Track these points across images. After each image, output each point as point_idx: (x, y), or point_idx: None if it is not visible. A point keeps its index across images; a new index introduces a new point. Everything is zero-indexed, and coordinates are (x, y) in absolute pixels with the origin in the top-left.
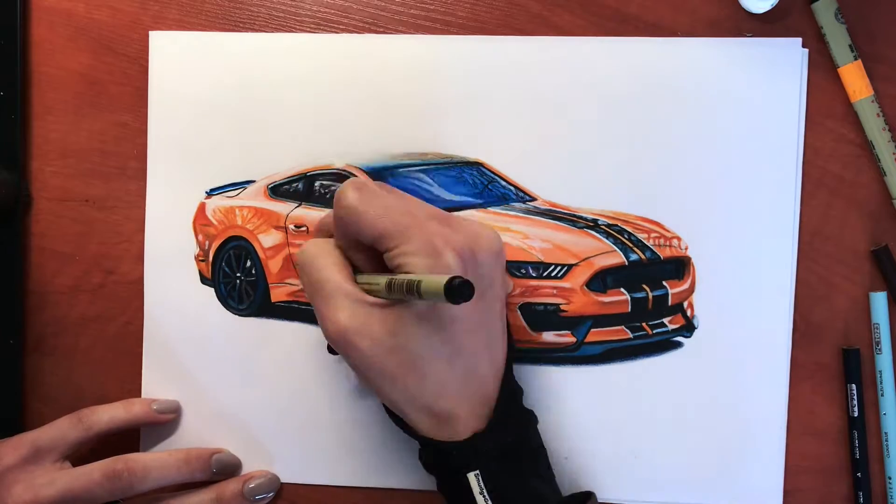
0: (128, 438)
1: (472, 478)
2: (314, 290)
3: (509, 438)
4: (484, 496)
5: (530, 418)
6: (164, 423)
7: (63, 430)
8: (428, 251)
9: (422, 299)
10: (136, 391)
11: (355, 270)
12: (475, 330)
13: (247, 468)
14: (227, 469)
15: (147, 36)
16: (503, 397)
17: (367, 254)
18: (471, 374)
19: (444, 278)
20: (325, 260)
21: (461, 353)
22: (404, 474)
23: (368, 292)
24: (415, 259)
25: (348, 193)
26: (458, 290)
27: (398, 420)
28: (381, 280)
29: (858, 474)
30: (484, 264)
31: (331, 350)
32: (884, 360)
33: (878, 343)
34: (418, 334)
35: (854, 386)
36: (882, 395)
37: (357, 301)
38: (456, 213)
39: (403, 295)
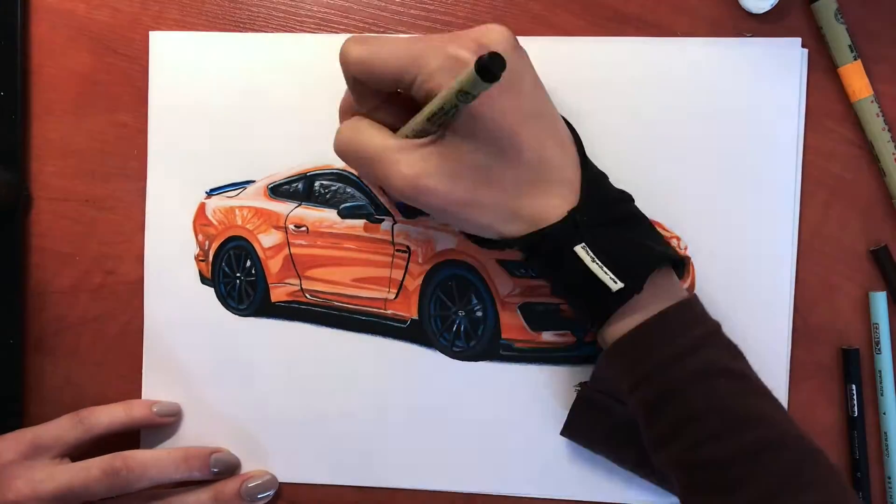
0: (128, 436)
1: (580, 250)
2: (364, 163)
3: (606, 210)
4: (597, 264)
5: (623, 195)
6: (165, 425)
7: (63, 429)
8: (448, 64)
9: (461, 103)
10: (136, 391)
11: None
12: (527, 121)
13: (246, 468)
14: (225, 468)
15: (147, 36)
16: (587, 178)
17: (394, 108)
18: (544, 164)
19: (471, 66)
20: (360, 133)
21: (524, 148)
22: (404, 474)
23: (414, 136)
24: (439, 77)
25: (352, 48)
26: (491, 64)
27: (493, 242)
28: (420, 117)
29: (858, 474)
30: (504, 55)
31: (404, 212)
32: (883, 360)
33: (877, 343)
34: (475, 149)
35: (854, 386)
36: (882, 394)
37: (408, 149)
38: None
39: (444, 115)
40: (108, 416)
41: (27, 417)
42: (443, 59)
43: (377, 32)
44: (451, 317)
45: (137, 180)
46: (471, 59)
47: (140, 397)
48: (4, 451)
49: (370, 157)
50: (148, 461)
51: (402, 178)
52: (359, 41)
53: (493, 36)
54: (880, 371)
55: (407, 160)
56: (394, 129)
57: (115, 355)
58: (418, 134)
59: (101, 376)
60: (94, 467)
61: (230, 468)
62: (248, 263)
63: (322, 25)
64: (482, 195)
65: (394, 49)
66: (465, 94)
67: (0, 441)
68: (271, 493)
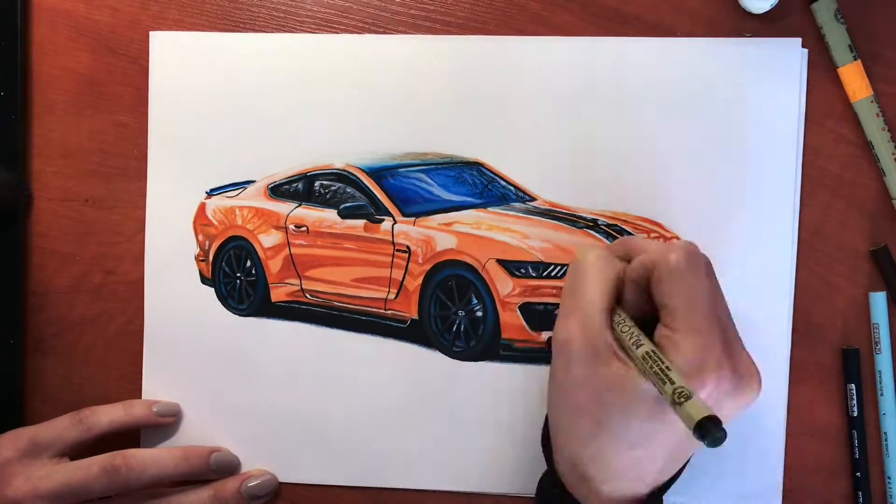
0: (128, 436)
1: None
2: (571, 294)
3: None
4: None
5: None
6: (165, 425)
7: (63, 428)
8: (692, 365)
9: (664, 397)
10: (136, 391)
11: (619, 300)
12: (674, 448)
13: (246, 467)
14: (225, 468)
15: (147, 36)
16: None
17: (640, 293)
18: (636, 470)
19: (702, 411)
20: (598, 277)
21: (647, 459)
22: (404, 474)
23: (616, 336)
24: (676, 357)
25: (682, 258)
26: (710, 433)
27: (547, 448)
28: (638, 349)
29: (858, 474)
30: (730, 406)
31: (548, 345)
32: (883, 360)
33: (877, 343)
34: (633, 414)
35: (854, 386)
36: (882, 394)
37: (599, 330)
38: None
39: (650, 377)
40: (109, 415)
41: (27, 417)
42: (697, 357)
43: (377, 33)
44: (451, 317)
45: (137, 180)
46: (702, 398)
47: (140, 397)
48: (3, 449)
49: (575, 297)
50: (147, 459)
51: (566, 335)
52: (692, 255)
53: (747, 397)
54: (880, 371)
55: (587, 332)
56: (622, 296)
57: (115, 355)
58: (622, 339)
59: (101, 376)
60: (93, 465)
61: (230, 467)
62: (249, 263)
63: (322, 25)
64: (590, 433)
65: (699, 296)
66: (675, 408)
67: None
68: (271, 492)
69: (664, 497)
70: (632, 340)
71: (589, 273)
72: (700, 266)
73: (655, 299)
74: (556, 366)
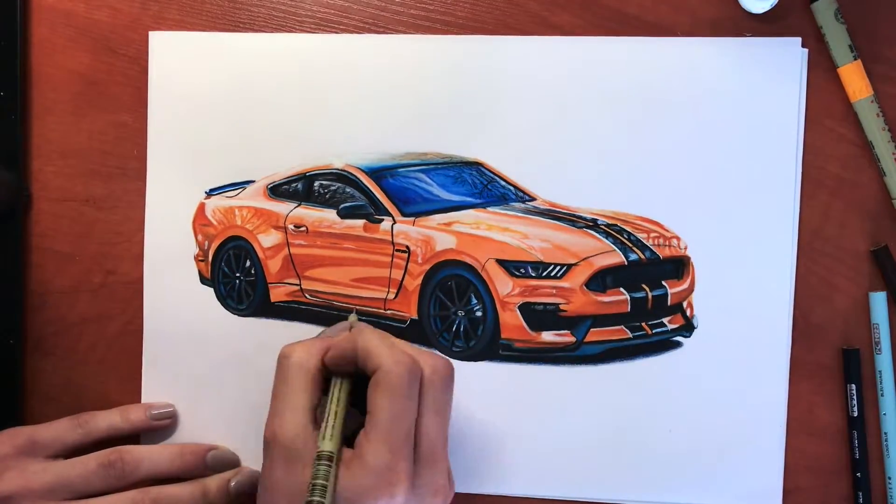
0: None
1: None
2: (275, 393)
3: None
4: None
5: None
6: (162, 429)
7: (62, 430)
8: (368, 482)
9: None
10: (136, 391)
11: (329, 396)
12: None
13: (246, 465)
14: (222, 465)
15: (147, 36)
16: None
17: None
18: None
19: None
20: (297, 376)
21: None
22: None
23: (316, 418)
24: (359, 469)
25: (404, 372)
26: None
27: None
28: (323, 445)
29: (858, 474)
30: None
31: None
32: (883, 361)
33: (877, 343)
34: None
35: (854, 386)
36: (882, 395)
37: (301, 430)
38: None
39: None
40: (107, 421)
41: (27, 417)
42: (380, 477)
43: (377, 33)
44: (451, 317)
45: (137, 180)
46: None
47: (140, 397)
48: (0, 445)
49: (281, 399)
50: (143, 455)
51: (270, 432)
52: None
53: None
54: (881, 371)
55: (293, 439)
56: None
57: (115, 355)
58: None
59: (101, 376)
60: (90, 460)
61: (228, 465)
62: (248, 263)
63: (322, 25)
64: None
65: (402, 419)
66: None
67: None
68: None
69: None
70: (324, 434)
71: (291, 372)
72: (414, 386)
73: (367, 402)
74: (263, 464)
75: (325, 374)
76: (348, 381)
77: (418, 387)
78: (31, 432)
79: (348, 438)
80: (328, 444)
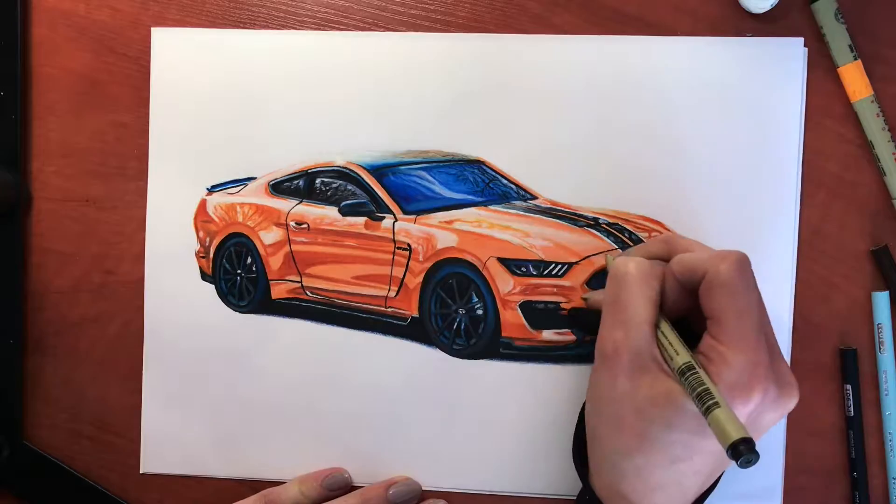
0: (126, 430)
1: None
2: (614, 305)
3: None
4: None
5: None
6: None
7: None
8: (741, 380)
9: (702, 413)
10: (136, 390)
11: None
12: (716, 462)
13: (247, 465)
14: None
15: (148, 36)
16: None
17: (681, 292)
18: (680, 484)
19: (737, 432)
20: (642, 288)
21: (690, 473)
22: (404, 472)
23: (659, 343)
24: (726, 371)
25: (734, 269)
26: (743, 454)
27: (579, 460)
28: (679, 360)
29: (855, 474)
30: (771, 415)
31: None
32: (887, 360)
33: (881, 343)
34: (677, 428)
35: (850, 386)
36: (886, 394)
37: (646, 343)
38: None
39: (688, 392)
40: (291, 494)
41: (27, 417)
42: (743, 371)
43: (377, 32)
44: (452, 315)
45: (137, 180)
46: (746, 409)
47: (140, 396)
48: None
49: (619, 311)
50: None
51: (613, 345)
52: (743, 266)
53: (785, 407)
54: (885, 371)
55: (635, 347)
56: (665, 293)
57: (115, 355)
58: (665, 352)
59: (101, 376)
60: None
61: (412, 495)
62: (249, 260)
63: (322, 25)
64: (627, 446)
65: (747, 307)
66: (710, 425)
67: None
68: (415, 498)
69: None
70: (669, 349)
71: (632, 284)
72: (750, 278)
73: (704, 308)
74: (600, 378)
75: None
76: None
77: (754, 279)
78: None
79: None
80: (686, 356)
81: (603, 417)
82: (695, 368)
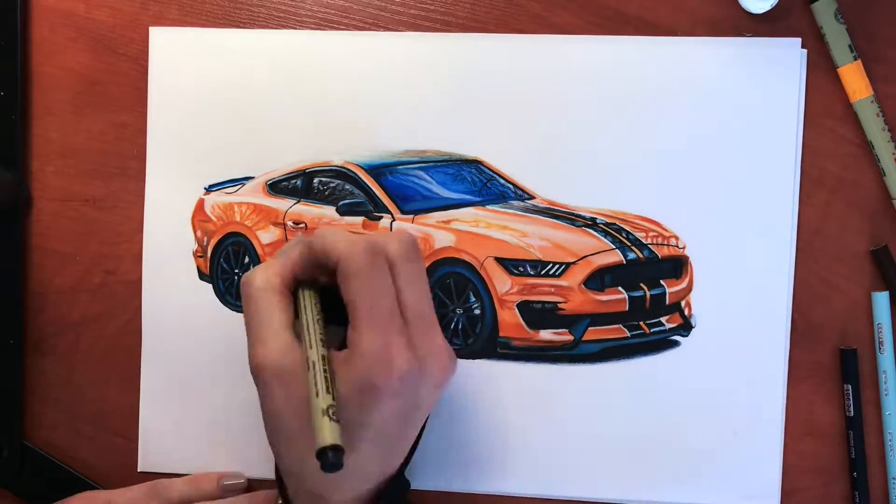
0: (126, 430)
1: None
2: (248, 321)
3: None
4: None
5: None
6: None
7: (138, 498)
8: (375, 363)
9: (312, 406)
10: (136, 390)
11: (298, 308)
12: (380, 439)
13: (244, 464)
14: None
15: (147, 36)
16: (385, 496)
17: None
18: (358, 471)
19: (329, 435)
20: (267, 299)
21: (356, 452)
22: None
23: (298, 335)
24: (359, 357)
25: (362, 257)
26: (324, 461)
27: (279, 476)
28: (309, 353)
29: (855, 474)
30: (426, 388)
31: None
32: (887, 361)
33: (881, 343)
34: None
35: (850, 386)
36: (886, 395)
37: (283, 348)
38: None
39: (309, 385)
40: (179, 491)
41: (27, 417)
42: (378, 349)
43: (377, 31)
44: (449, 314)
45: (137, 180)
46: (388, 386)
47: (139, 396)
48: None
49: (256, 324)
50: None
51: (257, 360)
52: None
53: (436, 372)
54: (885, 371)
55: (279, 353)
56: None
57: (115, 355)
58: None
59: (101, 376)
60: None
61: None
62: (247, 260)
63: (322, 25)
64: (297, 448)
65: (381, 289)
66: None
67: (70, 502)
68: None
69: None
70: (308, 342)
71: (257, 297)
72: (380, 263)
73: (343, 297)
74: (260, 398)
75: (293, 290)
76: (313, 289)
77: (385, 263)
78: (107, 498)
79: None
80: (312, 354)
81: (272, 433)
82: (310, 369)
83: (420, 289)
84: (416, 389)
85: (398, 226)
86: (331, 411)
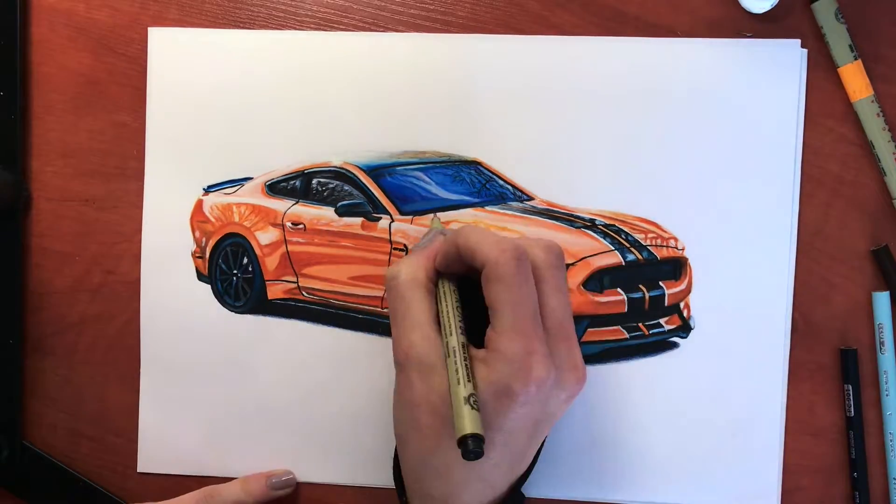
0: (126, 430)
1: None
2: (393, 315)
3: None
4: None
5: None
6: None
7: None
8: (515, 369)
9: (453, 395)
10: (135, 390)
11: (438, 299)
12: (509, 446)
13: (243, 465)
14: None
15: (147, 36)
16: None
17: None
18: (483, 479)
19: (470, 423)
20: (412, 293)
21: (490, 466)
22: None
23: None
24: (501, 361)
25: (510, 263)
26: (465, 449)
27: (398, 476)
28: (449, 338)
29: (855, 474)
30: (557, 400)
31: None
32: (887, 361)
33: (882, 343)
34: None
35: (850, 386)
36: (887, 395)
37: (429, 342)
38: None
39: (450, 375)
40: (232, 496)
41: (27, 417)
42: (518, 355)
43: (377, 32)
44: None
45: (137, 180)
46: (527, 392)
47: (139, 395)
48: None
49: (403, 317)
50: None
51: (404, 350)
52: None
53: (572, 387)
54: (886, 371)
55: (425, 349)
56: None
57: (115, 355)
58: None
59: (100, 376)
60: None
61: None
62: (245, 260)
63: (322, 25)
64: (426, 446)
65: (526, 297)
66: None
67: None
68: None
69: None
70: (447, 329)
71: (403, 289)
72: (526, 270)
73: (485, 298)
74: (398, 385)
75: (434, 282)
76: (452, 280)
77: (530, 270)
78: None
79: (476, 341)
80: (453, 340)
81: (404, 423)
82: (451, 356)
83: (562, 299)
84: (549, 400)
85: (397, 227)
86: (472, 400)
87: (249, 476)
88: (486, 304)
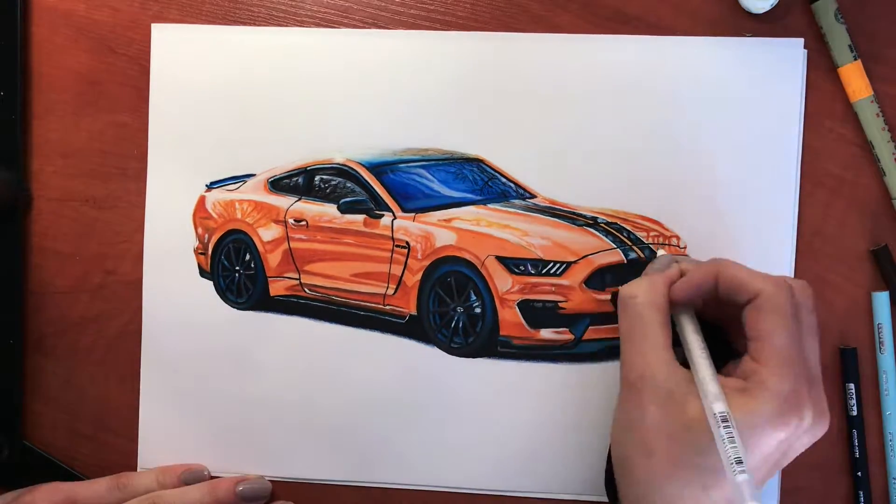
0: (126, 430)
1: None
2: (629, 336)
3: None
4: None
5: None
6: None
7: (101, 491)
8: (780, 409)
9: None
10: (136, 390)
11: (675, 339)
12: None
13: (243, 462)
14: (255, 495)
15: (147, 35)
16: None
17: (711, 304)
18: None
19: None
20: (651, 315)
21: (722, 499)
22: (402, 471)
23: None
24: (766, 397)
25: (788, 297)
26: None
27: (611, 491)
28: (715, 407)
29: (858, 473)
30: (801, 442)
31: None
32: (887, 361)
33: (881, 343)
34: (706, 455)
35: (852, 385)
36: (887, 394)
37: (670, 369)
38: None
39: (717, 438)
40: (145, 484)
41: (27, 417)
42: (788, 396)
43: (377, 31)
44: (450, 313)
45: (137, 180)
46: (781, 438)
47: (138, 395)
48: (39, 501)
49: (637, 333)
50: (176, 499)
51: (638, 369)
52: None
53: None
54: (885, 371)
55: (664, 369)
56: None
57: (115, 355)
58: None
59: (101, 376)
60: None
61: (261, 494)
62: (248, 257)
63: (322, 25)
64: (658, 472)
65: (792, 338)
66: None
67: (35, 491)
68: (265, 497)
69: None
70: (699, 381)
71: (641, 310)
72: (804, 305)
73: (748, 327)
74: (627, 406)
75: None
76: (692, 312)
77: (810, 305)
78: (69, 490)
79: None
80: (720, 406)
81: (633, 446)
82: (718, 426)
83: (816, 343)
84: (796, 442)
85: (399, 224)
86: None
87: (163, 467)
88: (722, 336)
